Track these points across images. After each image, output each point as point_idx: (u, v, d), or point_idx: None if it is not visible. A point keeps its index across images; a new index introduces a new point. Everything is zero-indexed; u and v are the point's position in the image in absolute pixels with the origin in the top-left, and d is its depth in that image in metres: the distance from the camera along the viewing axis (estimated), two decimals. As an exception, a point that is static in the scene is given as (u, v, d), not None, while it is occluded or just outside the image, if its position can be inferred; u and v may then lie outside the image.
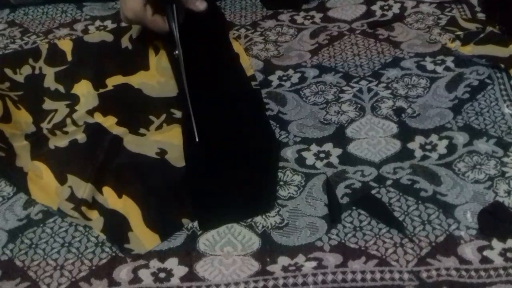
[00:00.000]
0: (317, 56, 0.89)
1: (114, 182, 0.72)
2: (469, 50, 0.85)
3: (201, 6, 0.80)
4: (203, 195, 0.69)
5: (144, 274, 0.63)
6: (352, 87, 0.83)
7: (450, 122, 0.76)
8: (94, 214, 0.69)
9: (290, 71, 0.87)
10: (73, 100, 0.84)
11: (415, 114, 0.78)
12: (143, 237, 0.66)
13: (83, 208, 0.69)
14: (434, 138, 0.75)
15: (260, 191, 0.70)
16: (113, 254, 0.66)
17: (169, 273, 0.63)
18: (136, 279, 0.63)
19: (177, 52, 0.77)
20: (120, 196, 0.70)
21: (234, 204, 0.69)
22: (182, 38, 0.77)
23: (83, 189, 0.71)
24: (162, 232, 0.67)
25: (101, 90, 0.85)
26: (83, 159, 0.76)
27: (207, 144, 0.73)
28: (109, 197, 0.70)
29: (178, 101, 0.82)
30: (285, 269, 0.62)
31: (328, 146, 0.75)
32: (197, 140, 0.72)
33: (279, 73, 0.87)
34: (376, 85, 0.83)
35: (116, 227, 0.68)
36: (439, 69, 0.84)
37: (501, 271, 0.60)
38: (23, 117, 0.82)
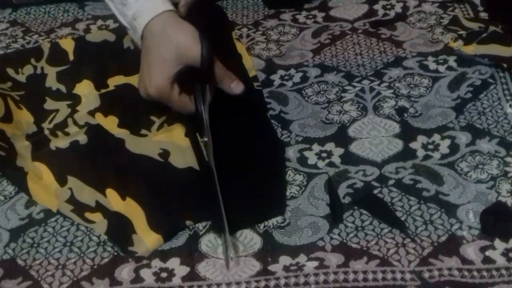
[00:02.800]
0: (319, 55, 0.89)
1: (117, 184, 0.71)
2: (472, 49, 0.85)
3: (237, 89, 0.70)
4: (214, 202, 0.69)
5: (146, 273, 0.63)
6: (354, 87, 0.83)
7: (452, 121, 0.76)
8: (97, 217, 0.69)
9: (292, 71, 0.87)
10: (75, 100, 0.84)
11: (417, 114, 0.78)
12: (146, 239, 0.66)
13: (87, 214, 0.69)
14: (436, 137, 0.74)
15: (269, 196, 0.70)
16: (115, 253, 0.66)
17: (171, 273, 0.63)
18: (138, 279, 0.63)
19: (205, 139, 0.66)
20: (123, 198, 0.70)
21: (245, 209, 0.68)
22: (211, 120, 0.67)
23: (84, 193, 0.71)
24: (166, 233, 0.66)
25: (102, 91, 0.85)
26: (84, 160, 0.75)
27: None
28: (113, 199, 0.70)
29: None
30: (286, 268, 0.62)
31: (330, 146, 0.75)
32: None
33: (281, 72, 0.87)
34: (378, 85, 0.83)
35: (120, 229, 0.67)
36: (442, 68, 0.84)
37: (504, 271, 0.60)
38: (24, 117, 0.82)
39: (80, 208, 0.70)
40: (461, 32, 0.89)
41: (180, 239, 0.66)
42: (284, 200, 0.69)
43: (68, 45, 0.93)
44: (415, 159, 0.72)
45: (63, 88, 0.86)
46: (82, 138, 0.78)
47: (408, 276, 0.60)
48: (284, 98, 0.83)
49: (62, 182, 0.73)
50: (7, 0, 1.04)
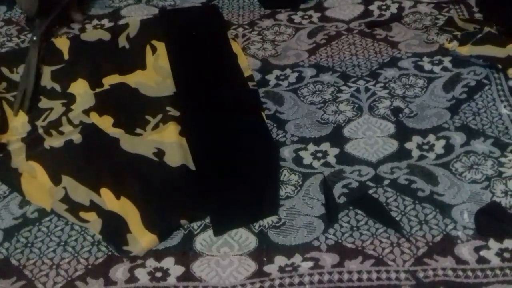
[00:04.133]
0: (315, 55, 0.89)
1: (112, 183, 0.71)
2: (467, 50, 0.85)
3: None
4: (213, 202, 0.69)
5: (141, 273, 0.63)
6: (350, 87, 0.83)
7: (447, 122, 0.76)
8: (92, 216, 0.69)
9: (288, 71, 0.87)
10: (69, 99, 0.84)
11: (412, 114, 0.78)
12: (141, 238, 0.66)
13: (81, 213, 0.69)
14: (431, 138, 0.74)
15: (262, 195, 0.70)
16: (110, 253, 0.65)
17: (166, 273, 0.63)
18: (132, 279, 0.63)
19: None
20: (118, 198, 0.70)
21: (237, 209, 0.68)
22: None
23: (79, 192, 0.71)
24: (161, 233, 0.66)
25: (97, 90, 0.85)
26: (78, 160, 0.75)
27: (208, 156, 0.72)
28: (107, 199, 0.70)
29: (174, 99, 0.82)
30: (281, 269, 0.62)
31: (325, 146, 0.75)
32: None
33: (276, 72, 0.87)
34: (374, 85, 0.83)
35: (115, 229, 0.67)
36: (437, 69, 0.84)
37: (498, 271, 0.60)
38: (19, 119, 0.82)
39: (74, 207, 0.70)
40: (456, 33, 0.89)
41: (175, 239, 0.66)
42: (277, 200, 0.69)
43: (63, 44, 0.93)
44: (410, 159, 0.72)
45: (57, 87, 0.86)
46: (77, 137, 0.78)
47: (402, 275, 0.60)
48: (279, 98, 0.83)
49: (56, 181, 0.73)
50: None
